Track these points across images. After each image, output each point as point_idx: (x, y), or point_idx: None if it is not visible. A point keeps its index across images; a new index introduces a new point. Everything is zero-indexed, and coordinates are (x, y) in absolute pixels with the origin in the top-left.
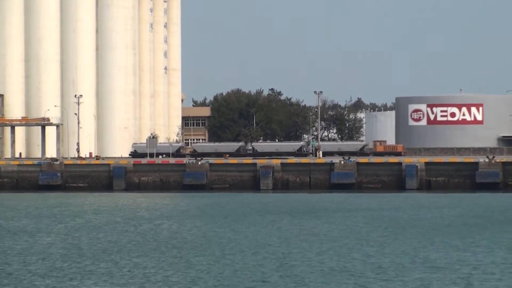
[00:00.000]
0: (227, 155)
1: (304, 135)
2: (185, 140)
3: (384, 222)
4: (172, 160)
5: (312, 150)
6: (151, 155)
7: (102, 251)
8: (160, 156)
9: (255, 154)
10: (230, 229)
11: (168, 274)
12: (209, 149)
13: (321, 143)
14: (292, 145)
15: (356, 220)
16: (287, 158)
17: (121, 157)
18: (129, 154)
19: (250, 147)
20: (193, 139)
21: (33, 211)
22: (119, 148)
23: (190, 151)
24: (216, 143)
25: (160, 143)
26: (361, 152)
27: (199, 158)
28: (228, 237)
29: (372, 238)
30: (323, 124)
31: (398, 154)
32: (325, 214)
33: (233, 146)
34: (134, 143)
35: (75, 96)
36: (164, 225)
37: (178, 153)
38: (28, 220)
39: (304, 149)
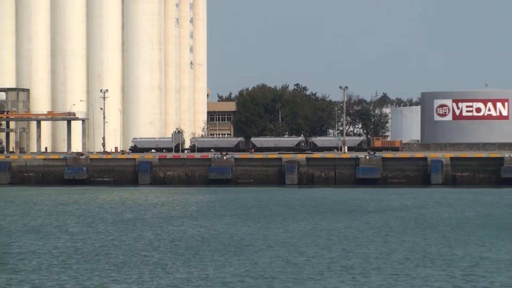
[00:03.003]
0: (253, 149)
1: (330, 130)
2: (211, 134)
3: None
4: (197, 155)
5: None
6: (148, 150)
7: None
8: (153, 151)
9: (254, 149)
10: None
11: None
12: (208, 144)
13: (319, 138)
14: (290, 140)
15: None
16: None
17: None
18: (129, 149)
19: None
20: (219, 134)
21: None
22: None
23: (189, 146)
24: (215, 138)
25: (160, 138)
26: (359, 147)
27: (225, 153)
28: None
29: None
30: (349, 119)
31: (396, 149)
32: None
33: (232, 141)
34: (134, 138)
35: (101, 91)
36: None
37: (178, 148)
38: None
39: (303, 144)
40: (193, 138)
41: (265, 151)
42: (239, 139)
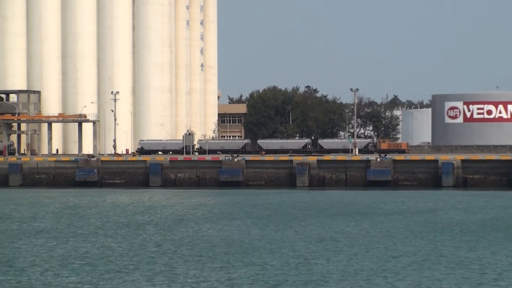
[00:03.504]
0: (263, 151)
1: (340, 132)
2: (222, 137)
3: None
4: (208, 157)
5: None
6: (155, 152)
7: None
8: (165, 153)
9: (261, 151)
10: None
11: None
12: (215, 146)
13: (325, 140)
14: (297, 142)
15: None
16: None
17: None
18: (136, 151)
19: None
20: (229, 136)
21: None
22: None
23: (196, 148)
24: (222, 140)
25: (167, 139)
26: (366, 150)
27: (235, 155)
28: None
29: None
30: (359, 121)
31: (402, 151)
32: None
33: (238, 143)
34: (141, 140)
35: (112, 93)
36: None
37: (185, 150)
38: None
39: (309, 146)
40: (199, 140)
41: (271, 153)
42: (246, 141)
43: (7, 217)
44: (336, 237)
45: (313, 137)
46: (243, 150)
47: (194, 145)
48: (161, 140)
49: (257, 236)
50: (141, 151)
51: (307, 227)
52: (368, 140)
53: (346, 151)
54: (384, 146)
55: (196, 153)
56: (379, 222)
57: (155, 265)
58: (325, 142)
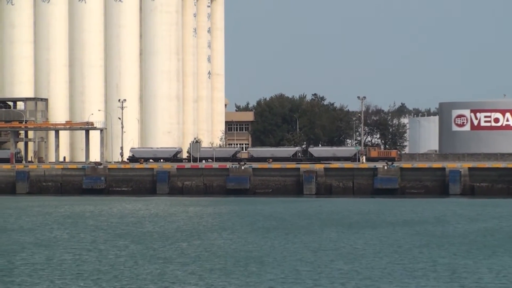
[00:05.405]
0: (271, 159)
1: (348, 140)
2: (229, 144)
3: None
4: (215, 165)
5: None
6: (146, 160)
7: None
8: (161, 160)
9: (251, 159)
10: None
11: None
12: (206, 154)
13: (315, 148)
14: (287, 150)
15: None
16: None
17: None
18: (127, 159)
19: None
20: (237, 144)
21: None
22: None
23: (187, 156)
24: (213, 148)
25: (158, 148)
26: (355, 158)
27: (242, 163)
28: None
29: None
30: (367, 129)
31: (392, 159)
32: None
33: (229, 151)
34: (132, 148)
35: (119, 100)
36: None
37: (175, 158)
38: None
39: (300, 154)
40: (237, 147)
41: (262, 161)
42: (236, 149)
43: (11, 226)
44: (341, 247)
45: (320, 145)
46: (234, 158)
47: (180, 152)
48: (152, 148)
49: (270, 247)
50: (132, 159)
51: (315, 236)
52: (360, 148)
53: (336, 159)
54: (374, 154)
55: (204, 161)
56: (387, 232)
57: (160, 275)
58: (315, 150)
